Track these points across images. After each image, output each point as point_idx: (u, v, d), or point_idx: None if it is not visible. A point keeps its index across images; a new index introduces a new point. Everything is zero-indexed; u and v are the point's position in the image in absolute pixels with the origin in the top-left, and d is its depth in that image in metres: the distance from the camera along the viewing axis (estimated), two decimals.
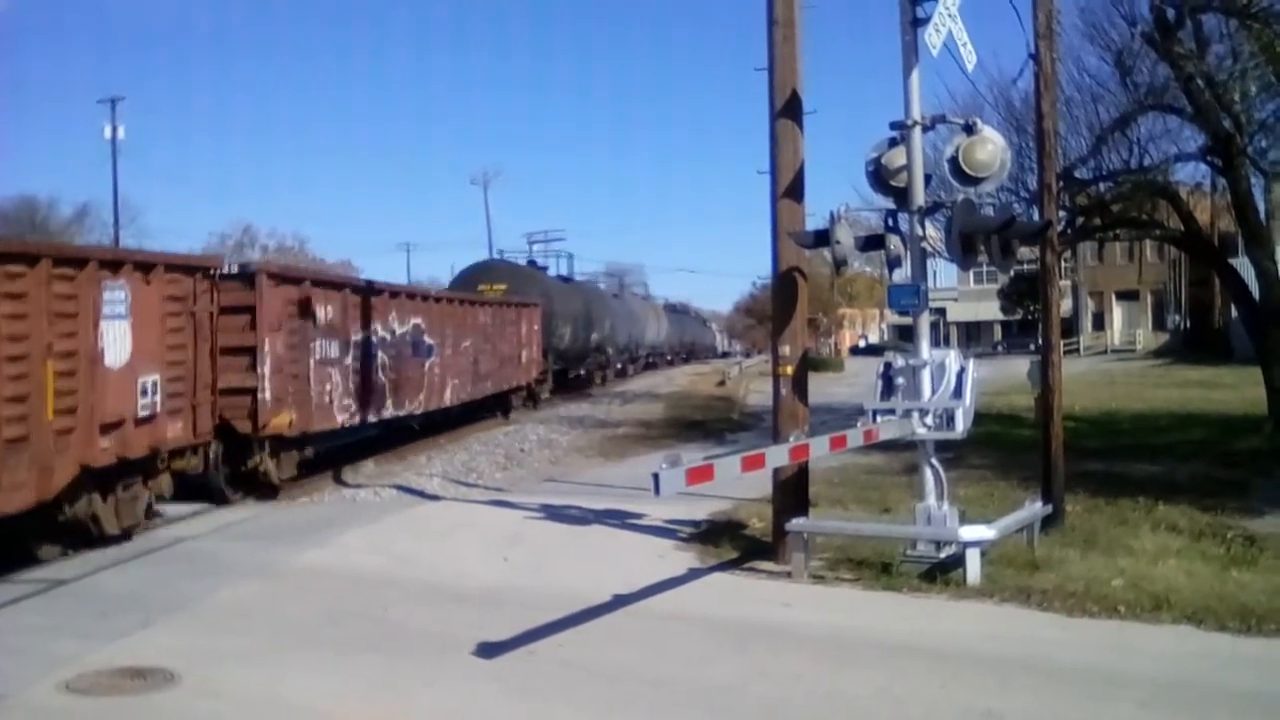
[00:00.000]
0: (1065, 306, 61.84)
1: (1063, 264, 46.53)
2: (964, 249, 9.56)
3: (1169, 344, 62.44)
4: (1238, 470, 14.97)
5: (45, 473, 9.87)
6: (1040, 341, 11.57)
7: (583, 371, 38.48)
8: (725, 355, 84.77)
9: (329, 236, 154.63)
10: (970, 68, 9.75)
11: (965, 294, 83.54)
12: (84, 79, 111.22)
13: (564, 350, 34.25)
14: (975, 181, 9.51)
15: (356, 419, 17.21)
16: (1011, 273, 45.58)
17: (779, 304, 10.57)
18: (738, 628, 8.05)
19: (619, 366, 45.92)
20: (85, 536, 10.76)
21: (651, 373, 52.35)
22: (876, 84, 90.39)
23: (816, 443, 8.94)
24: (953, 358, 9.63)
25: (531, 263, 39.12)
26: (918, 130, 9.47)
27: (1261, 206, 19.54)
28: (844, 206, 9.89)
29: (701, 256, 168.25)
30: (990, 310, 79.19)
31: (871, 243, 10.20)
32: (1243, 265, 19.76)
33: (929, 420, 9.41)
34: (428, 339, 20.37)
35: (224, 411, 13.39)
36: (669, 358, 61.46)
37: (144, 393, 11.37)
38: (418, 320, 19.93)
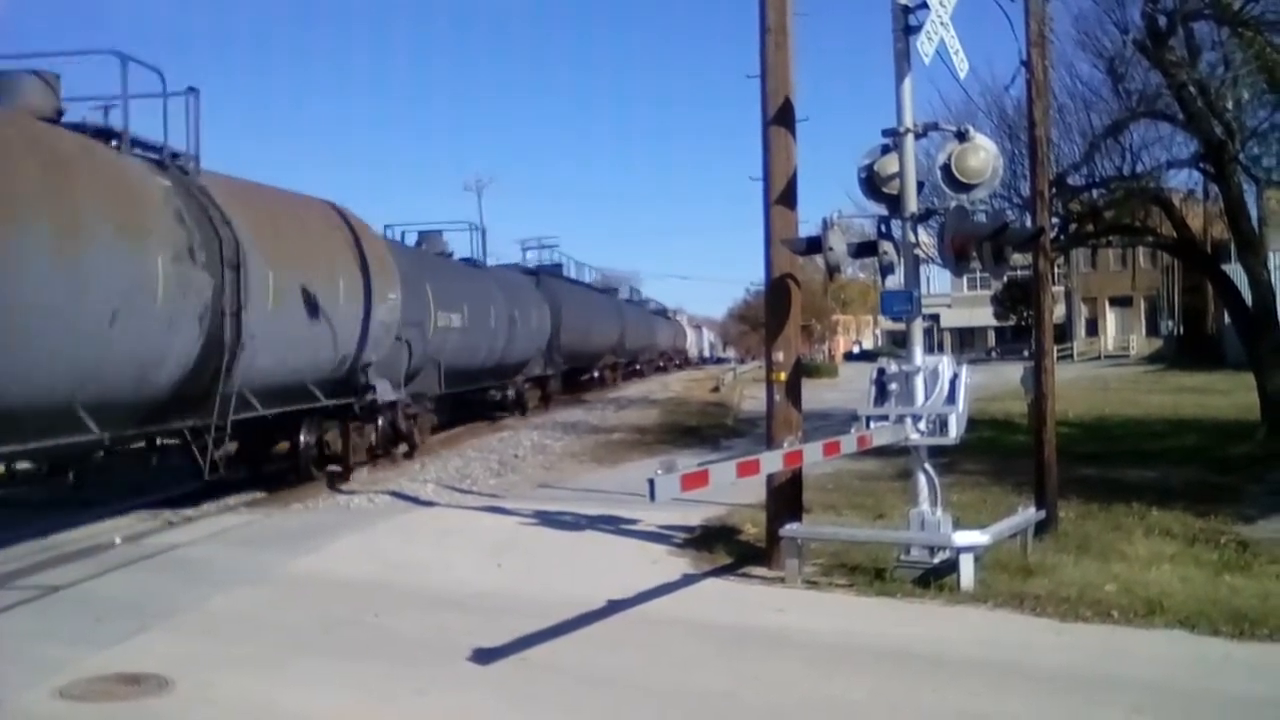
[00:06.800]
0: (1058, 312, 61.95)
1: (1056, 270, 46.57)
2: (956, 255, 9.59)
3: (1162, 350, 62.59)
4: (1231, 476, 15.02)
5: None
6: (1033, 347, 11.59)
7: None
8: (720, 361, 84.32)
9: None
10: (962, 75, 9.80)
11: (958, 300, 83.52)
12: (80, 85, 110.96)
13: None
14: (968, 188, 9.53)
15: None
16: (1004, 279, 45.70)
17: (772, 310, 10.57)
18: (732, 633, 8.06)
19: None
20: None
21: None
22: (870, 91, 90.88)
23: (810, 449, 8.94)
24: (946, 364, 9.65)
25: None
26: (910, 137, 9.50)
27: (1254, 213, 19.64)
28: (837, 213, 9.93)
29: (696, 263, 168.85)
30: (984, 316, 79.18)
31: (864, 249, 10.21)
32: (1235, 271, 19.85)
33: (922, 426, 9.43)
34: None
35: None
36: (528, 382, 29.10)
37: None
38: None
